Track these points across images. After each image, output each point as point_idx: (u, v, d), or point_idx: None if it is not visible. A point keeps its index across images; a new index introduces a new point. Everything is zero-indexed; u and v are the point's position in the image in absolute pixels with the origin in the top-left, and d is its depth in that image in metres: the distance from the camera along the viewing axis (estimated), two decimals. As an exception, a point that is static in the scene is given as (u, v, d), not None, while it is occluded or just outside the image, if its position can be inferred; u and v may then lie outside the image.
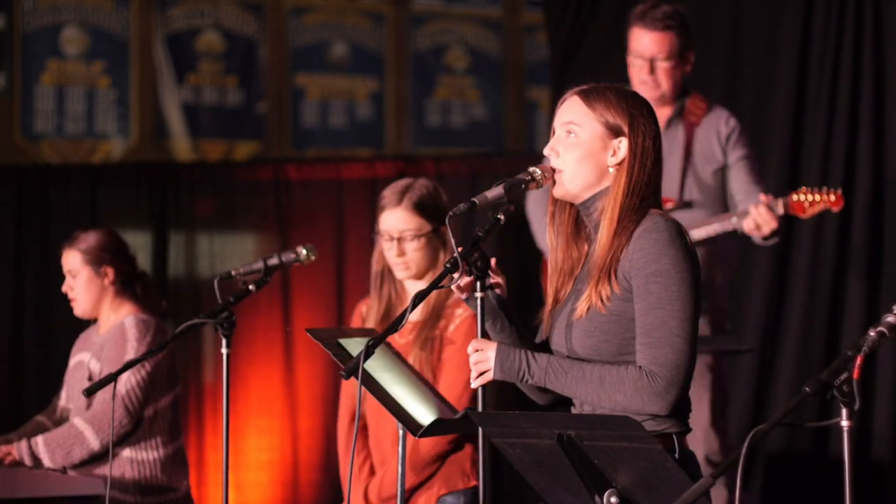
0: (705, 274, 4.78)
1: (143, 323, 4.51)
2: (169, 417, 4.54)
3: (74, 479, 4.32)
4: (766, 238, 4.64)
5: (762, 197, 4.59)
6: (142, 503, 4.45)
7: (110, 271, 4.57)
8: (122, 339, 4.47)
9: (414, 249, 4.07)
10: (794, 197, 4.61)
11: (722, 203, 4.81)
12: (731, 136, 4.83)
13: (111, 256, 4.59)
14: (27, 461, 4.38)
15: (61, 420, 4.63)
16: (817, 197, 4.61)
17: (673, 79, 4.79)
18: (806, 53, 5.65)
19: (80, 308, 4.60)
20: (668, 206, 4.75)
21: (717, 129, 4.83)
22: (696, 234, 4.68)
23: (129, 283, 4.62)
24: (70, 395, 4.62)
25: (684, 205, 4.78)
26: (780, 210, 4.58)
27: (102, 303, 4.59)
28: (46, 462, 4.38)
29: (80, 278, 4.56)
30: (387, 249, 4.10)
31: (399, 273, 4.10)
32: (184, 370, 6.38)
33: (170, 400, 4.55)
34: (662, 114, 4.84)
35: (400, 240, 4.06)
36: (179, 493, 4.54)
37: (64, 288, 4.62)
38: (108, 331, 4.57)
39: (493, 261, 3.00)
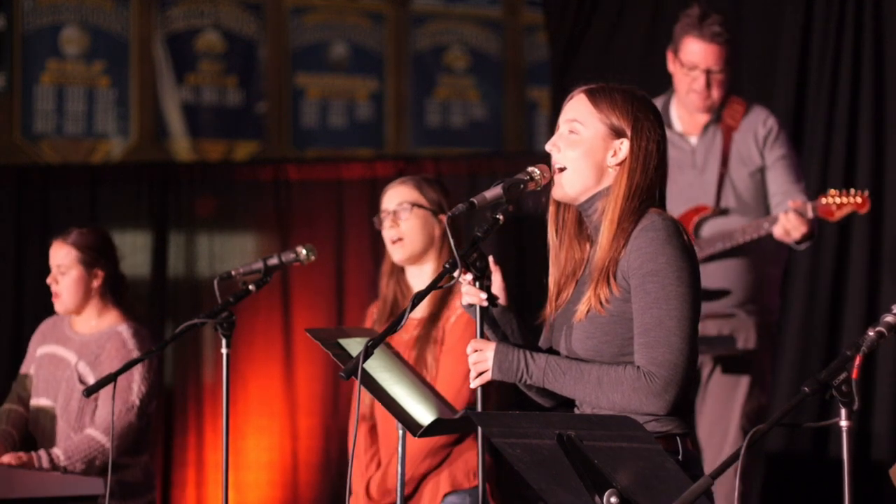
0: (757, 275, 4.78)
1: (139, 334, 4.54)
2: (151, 423, 4.59)
3: (74, 479, 4.32)
4: (798, 242, 4.65)
5: (791, 203, 4.60)
6: None
7: (101, 273, 4.56)
8: (123, 350, 4.47)
9: (407, 220, 4.09)
10: (823, 200, 4.61)
11: (761, 206, 4.80)
12: (769, 136, 4.82)
13: (104, 259, 4.58)
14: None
15: (39, 415, 4.60)
16: (845, 199, 4.61)
17: (725, 89, 4.82)
18: (806, 53, 5.65)
19: (64, 305, 4.57)
20: (705, 213, 4.76)
21: (754, 131, 4.82)
22: (730, 241, 4.69)
23: (115, 286, 4.62)
24: (46, 389, 4.57)
25: (720, 212, 4.78)
26: (810, 214, 4.58)
27: (88, 303, 4.58)
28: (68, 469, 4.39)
29: (69, 276, 4.53)
30: (384, 230, 4.12)
31: (395, 254, 4.12)
32: (184, 370, 6.39)
33: (155, 406, 4.59)
34: (700, 119, 4.85)
35: (396, 213, 4.09)
36: (153, 495, 4.59)
37: (49, 280, 4.57)
38: (95, 335, 4.55)
39: (490, 258, 3.01)
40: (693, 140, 4.87)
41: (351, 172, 6.60)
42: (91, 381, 4.47)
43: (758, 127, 4.83)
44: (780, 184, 4.79)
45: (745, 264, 4.77)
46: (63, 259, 4.55)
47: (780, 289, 5.08)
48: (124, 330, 4.52)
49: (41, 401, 4.58)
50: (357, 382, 2.88)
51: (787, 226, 4.57)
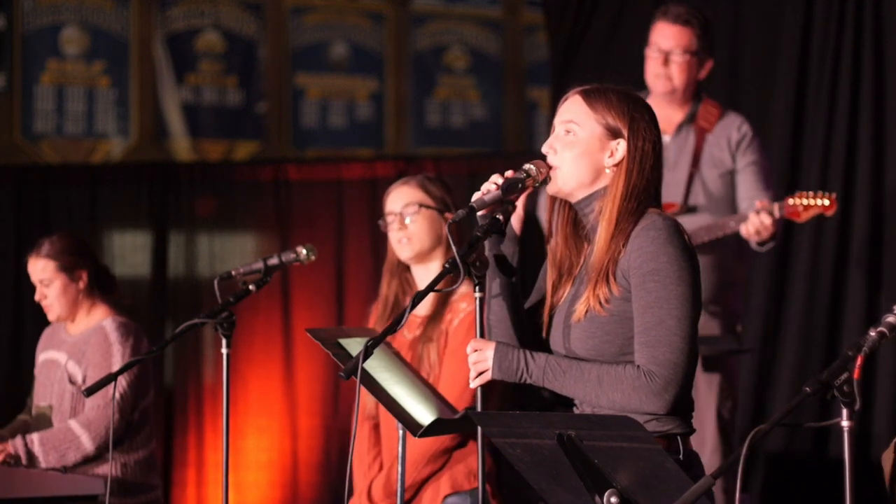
0: (721, 276, 4.78)
1: (123, 326, 4.55)
2: (149, 419, 4.58)
3: (73, 479, 4.33)
4: (761, 244, 4.64)
5: (758, 203, 4.59)
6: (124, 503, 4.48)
7: (84, 274, 4.59)
8: (105, 343, 4.49)
9: (414, 221, 4.10)
10: (790, 201, 4.60)
11: (729, 208, 4.81)
12: (742, 141, 4.83)
13: (83, 260, 4.61)
14: (23, 459, 4.39)
15: (39, 418, 4.62)
16: (811, 201, 4.60)
17: (686, 75, 4.80)
18: (806, 53, 5.65)
19: (57, 314, 4.61)
20: (672, 210, 4.76)
21: (727, 135, 4.83)
22: (695, 238, 4.67)
23: (100, 282, 4.64)
24: (44, 394, 4.61)
25: (688, 209, 4.79)
26: (777, 214, 4.58)
27: (79, 306, 4.60)
28: (41, 460, 4.39)
29: (54, 286, 4.57)
30: (391, 231, 4.13)
31: (403, 252, 4.13)
32: (184, 370, 6.39)
33: (150, 402, 4.59)
34: (674, 118, 4.86)
35: (402, 214, 4.10)
36: (156, 493, 4.58)
37: (37, 297, 4.61)
38: (84, 333, 4.57)
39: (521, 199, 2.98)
40: (666, 139, 4.87)
41: (351, 172, 6.60)
42: (79, 377, 4.50)
43: (732, 131, 4.84)
44: (748, 188, 4.79)
45: (708, 264, 4.74)
46: (42, 273, 4.58)
47: (745, 292, 5.06)
48: (108, 323, 4.54)
49: (41, 404, 4.62)
50: (357, 382, 2.88)
51: (758, 225, 4.56)
